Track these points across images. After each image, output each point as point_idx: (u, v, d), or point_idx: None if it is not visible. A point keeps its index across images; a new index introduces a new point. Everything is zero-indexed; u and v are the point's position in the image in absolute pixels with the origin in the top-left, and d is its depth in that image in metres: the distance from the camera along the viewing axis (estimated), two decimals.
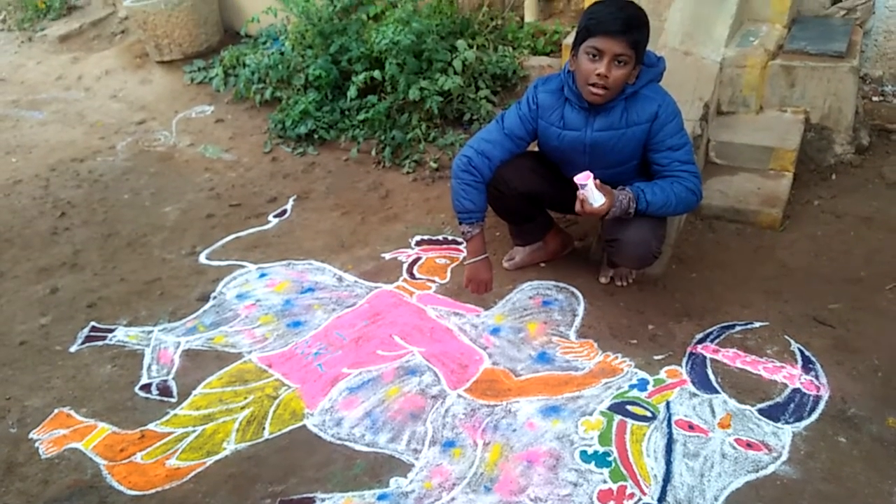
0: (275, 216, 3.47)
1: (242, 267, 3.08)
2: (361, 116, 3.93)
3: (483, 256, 2.63)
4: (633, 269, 2.73)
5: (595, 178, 2.29)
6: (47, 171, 4.04)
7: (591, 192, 2.29)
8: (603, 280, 2.78)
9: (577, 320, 2.63)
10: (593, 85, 2.30)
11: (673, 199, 2.40)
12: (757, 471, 2.00)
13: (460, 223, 2.58)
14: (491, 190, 2.61)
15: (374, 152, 3.86)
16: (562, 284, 2.80)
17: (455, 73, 3.83)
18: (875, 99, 3.75)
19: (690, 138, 2.51)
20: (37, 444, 2.24)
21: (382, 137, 3.86)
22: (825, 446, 2.06)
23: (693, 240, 3.00)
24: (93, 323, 2.79)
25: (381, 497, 1.99)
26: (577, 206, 2.34)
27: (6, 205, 3.72)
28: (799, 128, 3.33)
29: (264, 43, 4.68)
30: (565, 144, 2.49)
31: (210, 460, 2.14)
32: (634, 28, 2.23)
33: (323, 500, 1.99)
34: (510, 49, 4.10)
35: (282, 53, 4.25)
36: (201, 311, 2.82)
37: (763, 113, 3.46)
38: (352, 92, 3.93)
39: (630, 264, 2.65)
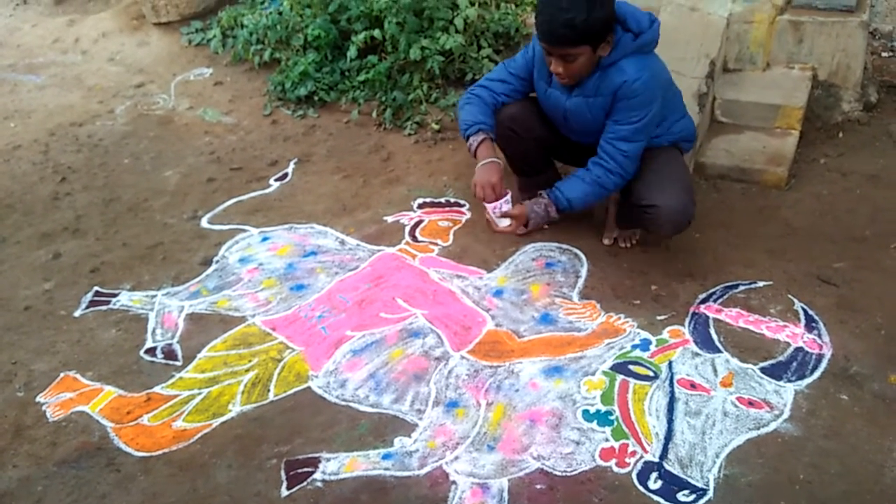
0: (276, 180, 3.45)
1: (244, 231, 3.07)
2: (362, 77, 3.88)
3: (491, 160, 2.55)
4: (665, 236, 2.62)
5: (507, 200, 2.53)
6: (46, 135, 4.01)
7: (492, 217, 2.55)
8: (606, 242, 2.77)
9: (580, 282, 2.62)
10: (558, 74, 2.32)
11: (592, 189, 2.46)
12: (758, 428, 2.01)
13: (467, 139, 2.57)
14: (506, 132, 2.60)
15: (374, 114, 3.81)
16: (565, 246, 2.79)
17: (456, 31, 3.76)
18: (884, 55, 3.70)
19: (648, 123, 2.40)
20: (44, 408, 2.26)
21: (383, 99, 3.81)
22: (827, 404, 2.07)
23: (697, 199, 2.93)
24: (96, 288, 2.79)
25: (385, 456, 2.01)
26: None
27: (6, 170, 3.70)
28: (806, 85, 3.28)
29: (262, 3, 4.59)
30: (550, 102, 2.50)
31: (216, 422, 2.16)
32: (570, 37, 2.19)
33: (328, 459, 2.02)
34: (513, 6, 4.03)
35: (280, 13, 4.18)
36: (204, 275, 2.82)
37: (770, 70, 3.41)
38: (352, 52, 3.87)
39: (668, 231, 2.51)
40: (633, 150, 2.40)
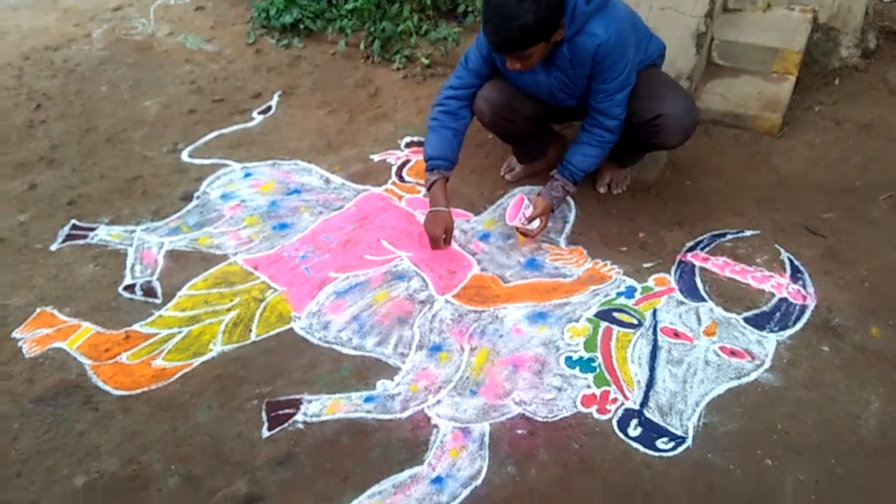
0: (259, 113, 3.34)
1: (226, 166, 2.99)
2: (349, 6, 3.73)
3: (439, 210, 2.45)
4: (674, 146, 2.50)
5: (526, 206, 2.43)
6: (20, 59, 3.84)
7: (522, 227, 2.45)
8: (602, 190, 2.72)
9: (568, 227, 2.59)
10: (515, 69, 2.24)
11: (600, 150, 2.43)
12: (739, 378, 2.03)
13: (426, 168, 2.49)
14: (499, 122, 2.53)
15: (362, 46, 3.68)
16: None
17: None
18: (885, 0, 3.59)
19: (631, 74, 2.33)
20: (20, 344, 2.22)
21: (372, 29, 3.67)
22: (808, 355, 2.08)
23: (690, 145, 2.88)
24: (73, 221, 2.72)
25: (367, 399, 2.01)
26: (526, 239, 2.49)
27: None
28: (806, 28, 3.19)
29: None
30: (529, 83, 2.41)
31: (196, 361, 2.14)
32: (523, 42, 2.09)
33: (310, 401, 2.01)
34: None
35: None
36: (185, 210, 2.75)
37: (770, 11, 3.31)
38: None
39: (677, 138, 2.41)
40: (624, 96, 2.33)
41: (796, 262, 2.38)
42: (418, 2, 3.64)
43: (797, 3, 3.27)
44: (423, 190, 2.68)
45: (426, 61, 3.53)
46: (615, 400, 1.99)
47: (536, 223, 2.44)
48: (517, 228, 2.48)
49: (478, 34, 2.39)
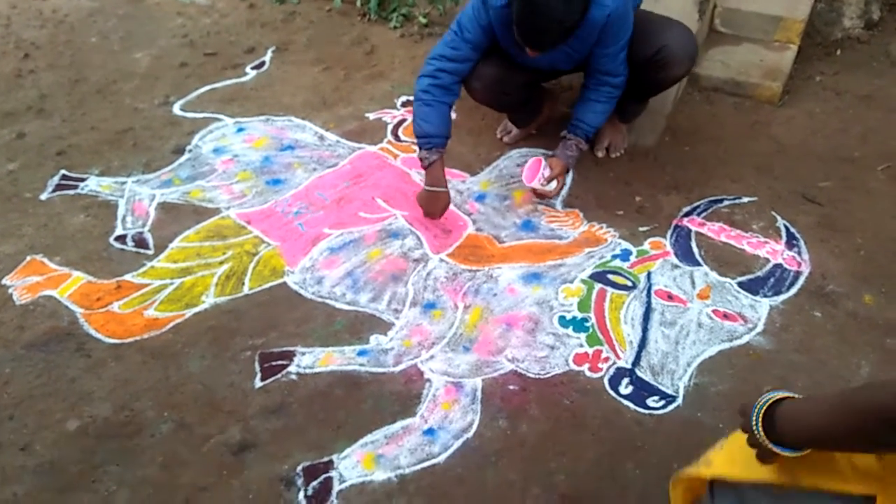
0: (252, 68, 3.29)
1: (219, 120, 2.95)
2: None
3: (439, 189, 2.36)
4: (679, 77, 2.44)
5: (545, 167, 2.41)
6: (8, 7, 3.76)
7: (540, 188, 2.43)
8: (601, 154, 2.69)
9: (565, 190, 2.58)
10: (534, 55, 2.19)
11: (609, 105, 2.43)
12: (731, 340, 2.03)
13: (419, 148, 2.35)
14: (493, 96, 2.49)
15: (359, 3, 3.61)
16: (550, 152, 2.71)
17: None
18: None
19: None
20: (10, 290, 2.20)
21: None
22: (800, 319, 2.09)
23: (689, 112, 2.91)
24: (63, 171, 2.68)
25: (360, 353, 2.01)
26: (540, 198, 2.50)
27: None
28: None
29: None
30: (527, 60, 2.34)
31: (189, 312, 2.13)
32: (562, 39, 2.07)
33: (303, 353, 2.01)
34: None
35: None
36: (177, 163, 2.71)
37: None
38: None
39: (683, 67, 2.36)
40: (625, 54, 2.31)
41: (792, 230, 2.38)
42: None
43: None
44: (418, 173, 2.60)
45: (423, 20, 3.48)
46: (607, 359, 1.99)
47: (554, 184, 2.42)
48: (534, 190, 2.46)
49: (468, 4, 2.27)
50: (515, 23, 2.05)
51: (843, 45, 3.24)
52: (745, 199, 2.49)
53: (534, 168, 2.41)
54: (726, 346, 2.02)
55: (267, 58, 3.35)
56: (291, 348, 2.02)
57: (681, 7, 2.91)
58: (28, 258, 2.31)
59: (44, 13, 3.71)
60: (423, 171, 2.43)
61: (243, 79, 3.22)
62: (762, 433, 1.01)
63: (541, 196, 2.49)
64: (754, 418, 1.03)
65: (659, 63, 2.32)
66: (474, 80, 2.41)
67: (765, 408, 1.02)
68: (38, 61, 3.36)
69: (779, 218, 2.42)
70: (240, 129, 2.89)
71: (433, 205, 2.40)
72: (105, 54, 3.40)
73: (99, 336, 2.05)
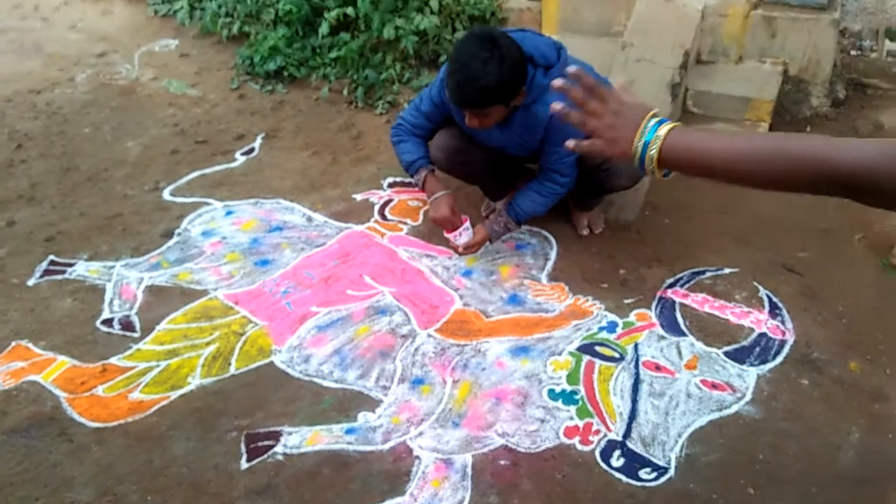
0: (242, 154, 3.37)
1: (208, 204, 2.99)
2: (333, 54, 3.81)
3: (441, 193, 2.52)
4: (626, 188, 2.56)
5: (466, 227, 2.54)
6: (2, 101, 3.86)
7: (455, 243, 2.58)
8: (584, 232, 2.74)
9: (549, 264, 2.62)
10: (473, 125, 2.30)
11: (549, 199, 2.51)
12: (720, 410, 2.03)
13: (411, 177, 2.57)
14: (459, 166, 2.60)
15: (346, 92, 3.75)
16: (535, 229, 2.77)
17: (431, 12, 3.72)
18: (853, 53, 3.76)
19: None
20: None
21: (355, 77, 3.75)
22: (788, 388, 2.09)
23: (668, 186, 2.98)
24: (52, 257, 2.69)
25: (348, 431, 1.98)
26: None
27: None
28: (777, 79, 3.31)
29: None
30: (482, 137, 2.47)
31: (174, 394, 2.10)
32: (482, 101, 2.17)
33: (290, 433, 1.97)
34: None
35: None
36: (165, 247, 2.74)
37: (742, 63, 3.43)
38: (324, 29, 3.80)
39: (628, 181, 2.50)
40: (575, 158, 2.41)
41: (775, 299, 2.41)
42: (401, 51, 3.73)
43: (768, 56, 3.40)
44: (405, 251, 2.69)
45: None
46: (598, 431, 1.98)
47: (464, 240, 2.54)
48: (451, 242, 2.58)
49: (433, 80, 2.47)
50: (445, 81, 2.21)
51: (813, 121, 3.38)
52: (727, 271, 2.54)
53: (459, 226, 2.54)
54: (716, 415, 2.02)
55: (256, 144, 3.44)
56: (278, 428, 1.99)
57: (654, 90, 3.05)
58: (13, 343, 2.29)
59: (38, 105, 3.82)
60: (409, 248, 2.48)
61: (233, 164, 3.29)
62: (657, 151, 1.02)
63: (453, 247, 2.60)
64: (654, 134, 1.03)
65: (606, 172, 2.45)
66: (435, 149, 2.56)
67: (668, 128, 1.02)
68: (30, 151, 3.42)
69: (761, 288, 2.46)
70: (229, 213, 2.94)
71: (440, 209, 2.50)
72: (97, 144, 3.48)
73: (82, 420, 2.01)
